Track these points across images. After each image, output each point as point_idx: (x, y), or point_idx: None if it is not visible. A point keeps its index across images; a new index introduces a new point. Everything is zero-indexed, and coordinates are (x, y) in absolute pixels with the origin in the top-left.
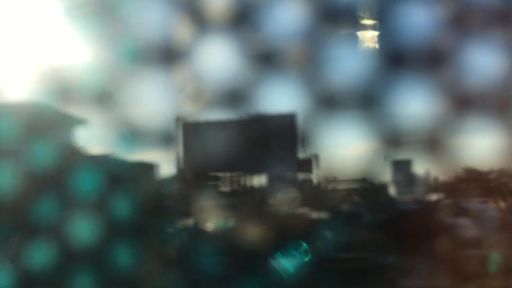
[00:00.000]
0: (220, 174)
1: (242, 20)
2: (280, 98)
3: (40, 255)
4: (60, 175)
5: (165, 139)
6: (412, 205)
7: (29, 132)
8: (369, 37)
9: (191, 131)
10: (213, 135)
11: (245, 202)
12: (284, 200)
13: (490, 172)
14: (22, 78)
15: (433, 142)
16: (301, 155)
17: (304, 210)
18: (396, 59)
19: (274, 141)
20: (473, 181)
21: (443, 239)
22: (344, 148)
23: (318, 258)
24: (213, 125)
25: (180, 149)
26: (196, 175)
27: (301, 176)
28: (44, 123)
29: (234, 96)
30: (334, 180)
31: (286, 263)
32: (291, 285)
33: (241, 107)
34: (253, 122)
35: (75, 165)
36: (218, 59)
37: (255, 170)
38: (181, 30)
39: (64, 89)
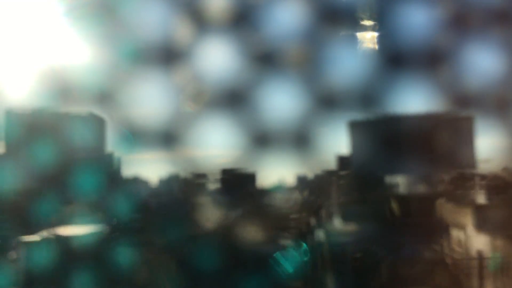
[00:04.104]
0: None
1: (242, 21)
2: (281, 98)
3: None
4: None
5: (166, 139)
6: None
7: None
8: (368, 38)
9: (360, 131)
10: (386, 134)
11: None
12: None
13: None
14: (24, 79)
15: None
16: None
17: None
18: (396, 60)
19: (452, 142)
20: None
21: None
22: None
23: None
24: (384, 124)
25: (350, 149)
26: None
27: None
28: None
29: (233, 96)
30: None
31: (286, 263)
32: (291, 285)
33: (240, 108)
34: (427, 121)
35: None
36: (218, 59)
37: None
38: (181, 31)
39: (66, 90)
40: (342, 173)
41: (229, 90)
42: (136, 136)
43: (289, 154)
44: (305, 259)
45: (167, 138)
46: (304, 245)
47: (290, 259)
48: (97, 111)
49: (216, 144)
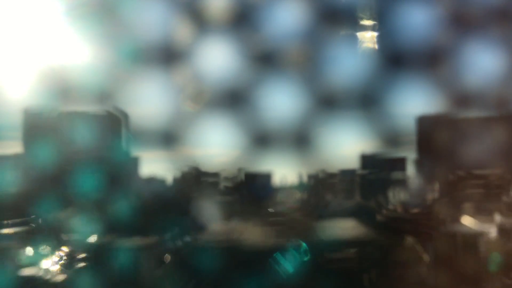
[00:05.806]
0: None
1: (242, 21)
2: (281, 98)
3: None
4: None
5: (167, 138)
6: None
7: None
8: (368, 38)
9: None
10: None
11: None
12: None
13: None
14: (24, 79)
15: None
16: None
17: None
18: (396, 59)
19: None
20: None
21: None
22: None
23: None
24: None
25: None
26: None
27: None
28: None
29: (234, 96)
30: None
31: (286, 263)
32: (291, 285)
33: (241, 107)
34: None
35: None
36: (218, 59)
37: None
38: (181, 31)
39: (65, 89)
40: (365, 172)
41: (230, 90)
42: (137, 136)
43: (292, 154)
44: (306, 259)
45: (168, 137)
46: (305, 245)
47: (291, 259)
48: (99, 110)
49: (217, 144)
